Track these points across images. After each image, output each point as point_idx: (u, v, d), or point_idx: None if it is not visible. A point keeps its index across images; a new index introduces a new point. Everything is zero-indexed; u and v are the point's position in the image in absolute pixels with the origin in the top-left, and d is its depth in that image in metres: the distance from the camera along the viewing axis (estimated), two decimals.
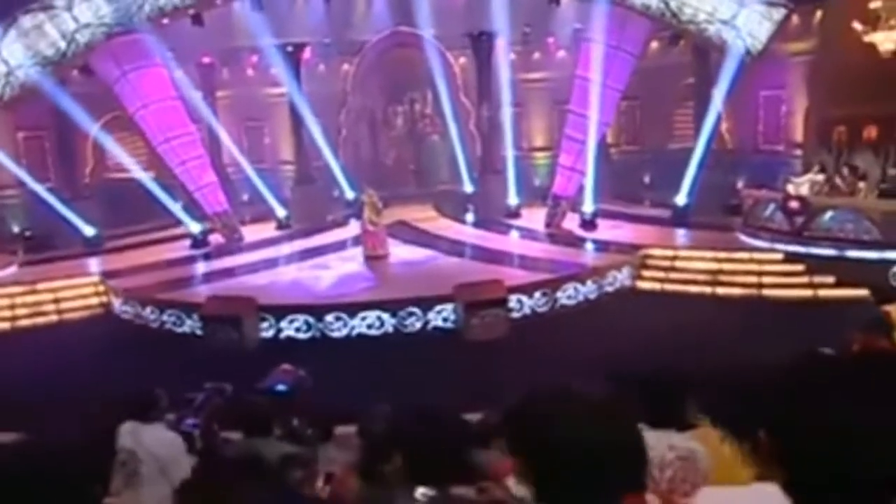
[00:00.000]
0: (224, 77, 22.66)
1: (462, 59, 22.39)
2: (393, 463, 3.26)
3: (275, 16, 18.48)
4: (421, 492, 2.90)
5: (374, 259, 15.80)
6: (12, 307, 15.20)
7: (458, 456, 3.19)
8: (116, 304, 15.13)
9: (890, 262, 12.78)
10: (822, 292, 12.96)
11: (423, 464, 3.00)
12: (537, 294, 13.36)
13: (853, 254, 13.27)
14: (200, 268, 16.88)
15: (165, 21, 17.16)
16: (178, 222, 18.86)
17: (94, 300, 15.57)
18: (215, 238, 18.68)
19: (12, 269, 17.11)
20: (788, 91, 19.35)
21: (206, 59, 21.69)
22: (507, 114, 19.65)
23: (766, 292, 13.44)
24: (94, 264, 17.26)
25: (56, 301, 15.40)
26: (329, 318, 12.99)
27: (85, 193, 20.58)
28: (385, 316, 12.93)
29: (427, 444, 3.05)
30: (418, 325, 12.97)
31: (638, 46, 17.26)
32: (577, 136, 17.68)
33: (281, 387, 6.94)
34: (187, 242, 18.49)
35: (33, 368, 11.97)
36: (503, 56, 19.63)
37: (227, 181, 20.27)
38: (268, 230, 19.69)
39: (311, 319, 13.06)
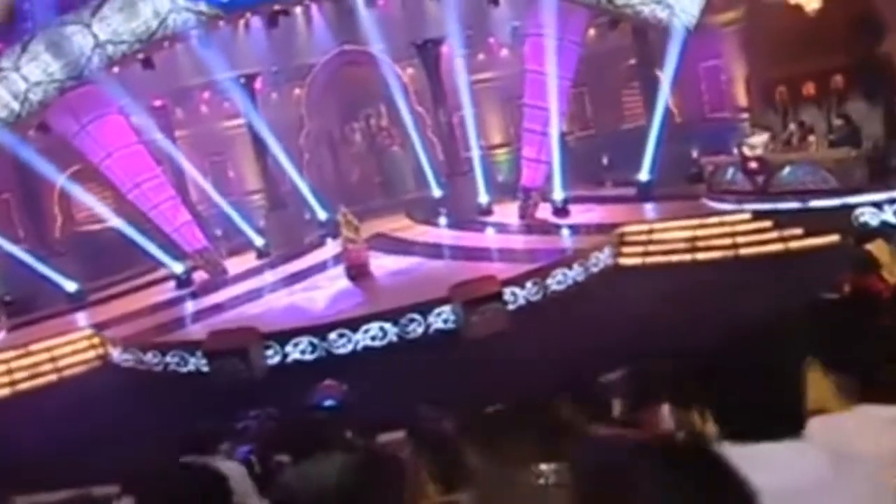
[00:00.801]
0: (179, 117, 22.67)
1: (410, 70, 22.76)
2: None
3: (219, 51, 18.54)
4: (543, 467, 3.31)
5: (359, 275, 16.00)
6: (9, 372, 15.07)
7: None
8: (115, 353, 15.12)
9: (851, 207, 13.45)
10: (793, 244, 13.58)
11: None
12: (529, 284, 13.76)
13: (816, 203, 13.87)
14: (191, 307, 16.87)
15: (115, 70, 17.18)
16: (158, 265, 18.83)
17: (91, 353, 15.54)
18: (199, 275, 18.71)
19: (0, 335, 16.94)
20: (725, 60, 20.26)
21: (158, 102, 21.68)
22: (468, 115, 20.03)
23: (742, 251, 14.03)
24: (82, 319, 17.12)
25: (53, 360, 15.31)
26: (332, 335, 13.21)
27: (58, 249, 20.41)
28: (387, 326, 13.20)
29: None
30: (420, 330, 13.25)
31: (580, 35, 17.94)
32: (535, 127, 18.27)
33: (330, 402, 7.25)
34: (171, 284, 18.48)
35: (46, 429, 11.91)
36: (455, 59, 19.94)
37: (199, 218, 20.30)
38: (248, 261, 19.78)
39: (315, 340, 13.25)
